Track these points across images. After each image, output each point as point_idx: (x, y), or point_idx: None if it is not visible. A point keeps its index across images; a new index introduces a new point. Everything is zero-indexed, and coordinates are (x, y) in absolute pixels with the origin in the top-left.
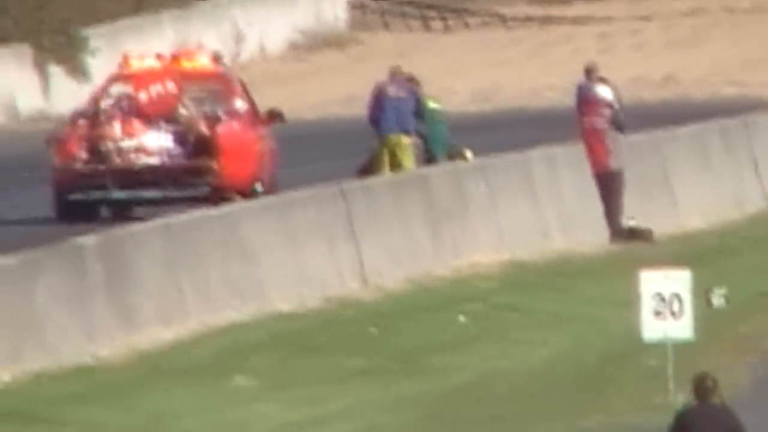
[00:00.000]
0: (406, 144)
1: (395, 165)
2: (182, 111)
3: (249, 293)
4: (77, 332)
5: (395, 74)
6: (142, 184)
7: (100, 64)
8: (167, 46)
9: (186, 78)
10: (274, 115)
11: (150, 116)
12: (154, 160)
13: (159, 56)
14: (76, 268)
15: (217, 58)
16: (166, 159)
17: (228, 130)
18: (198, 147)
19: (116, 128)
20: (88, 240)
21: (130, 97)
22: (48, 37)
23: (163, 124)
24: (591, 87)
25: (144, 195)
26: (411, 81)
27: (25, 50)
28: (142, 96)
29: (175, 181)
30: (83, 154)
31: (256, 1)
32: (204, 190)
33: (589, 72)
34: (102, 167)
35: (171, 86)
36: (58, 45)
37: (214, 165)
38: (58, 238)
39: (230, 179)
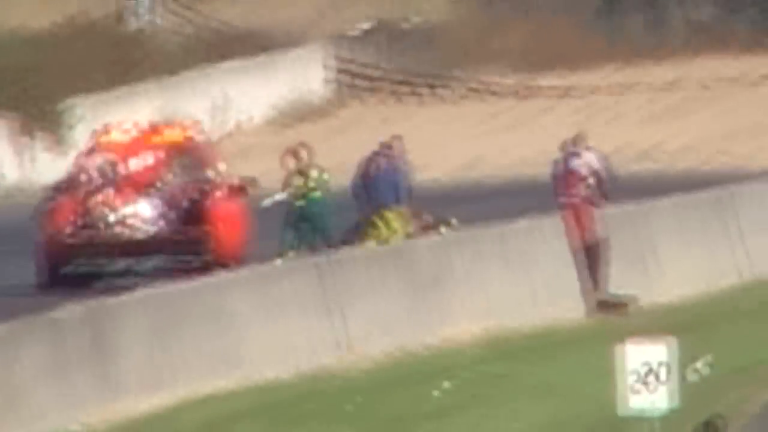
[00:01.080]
0: (392, 215)
1: (389, 236)
2: (166, 181)
3: (231, 363)
4: (60, 402)
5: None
6: (137, 255)
7: (84, 135)
8: (153, 116)
9: (165, 148)
10: (248, 184)
11: (134, 186)
12: (146, 231)
13: (134, 126)
14: (58, 338)
15: (193, 127)
16: (159, 229)
17: (220, 199)
18: (189, 216)
19: (102, 199)
20: (71, 310)
21: (112, 168)
22: (31, 107)
23: (147, 193)
24: (569, 159)
25: (141, 266)
26: (388, 147)
27: (8, 121)
28: (125, 166)
29: (172, 251)
30: (73, 226)
31: (238, 72)
32: (201, 260)
33: (577, 141)
34: (96, 238)
35: (153, 156)
36: (41, 115)
37: (211, 234)
38: (40, 309)
39: (224, 248)
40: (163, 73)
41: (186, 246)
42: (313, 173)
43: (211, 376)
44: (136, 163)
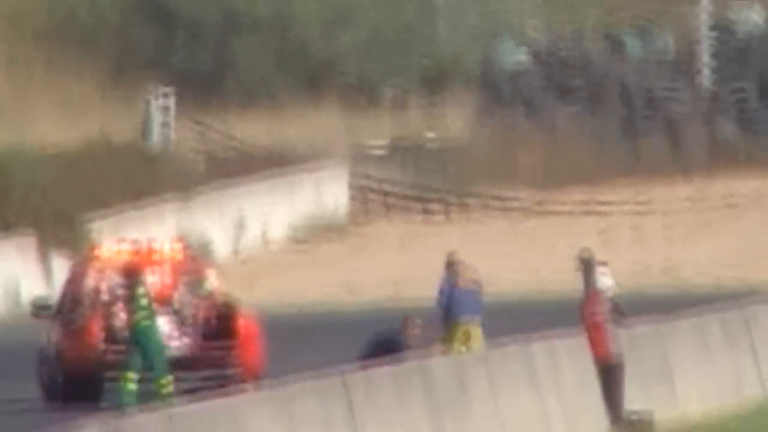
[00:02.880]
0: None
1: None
2: (180, 297)
3: None
4: None
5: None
6: (175, 371)
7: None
8: (169, 235)
9: (167, 265)
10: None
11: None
12: (177, 347)
13: (133, 243)
14: None
15: (185, 244)
16: (189, 345)
17: (245, 316)
18: (213, 332)
19: (124, 316)
20: (91, 426)
21: (125, 285)
22: (51, 225)
23: (165, 310)
24: (592, 278)
25: (181, 382)
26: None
27: (29, 239)
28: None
29: (205, 367)
30: (106, 340)
31: (258, 190)
32: (232, 375)
33: (588, 264)
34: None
35: (165, 274)
36: (61, 233)
37: (239, 349)
38: (60, 424)
39: (252, 363)
40: (180, 192)
41: (217, 362)
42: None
43: None
44: (150, 282)
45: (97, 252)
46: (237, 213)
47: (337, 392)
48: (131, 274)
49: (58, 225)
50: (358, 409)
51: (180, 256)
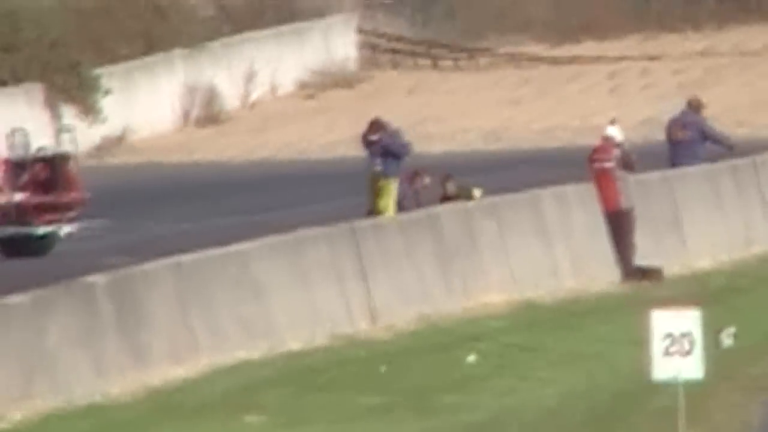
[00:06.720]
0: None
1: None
2: None
3: (259, 331)
4: (88, 370)
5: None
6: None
7: (112, 104)
8: (178, 86)
9: None
10: None
11: None
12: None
13: None
14: (87, 307)
15: None
16: (27, 195)
17: (70, 167)
18: (49, 183)
19: None
20: (100, 278)
21: None
22: (60, 76)
23: None
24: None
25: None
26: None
27: (37, 90)
28: None
29: (51, 216)
30: None
31: (267, 40)
32: (77, 224)
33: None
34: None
35: None
36: (70, 84)
37: (81, 199)
38: (69, 276)
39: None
40: (189, 44)
41: (63, 211)
42: None
43: (239, 344)
44: None
45: None
46: (246, 63)
47: (346, 240)
48: None
49: (66, 76)
50: (367, 257)
51: None
